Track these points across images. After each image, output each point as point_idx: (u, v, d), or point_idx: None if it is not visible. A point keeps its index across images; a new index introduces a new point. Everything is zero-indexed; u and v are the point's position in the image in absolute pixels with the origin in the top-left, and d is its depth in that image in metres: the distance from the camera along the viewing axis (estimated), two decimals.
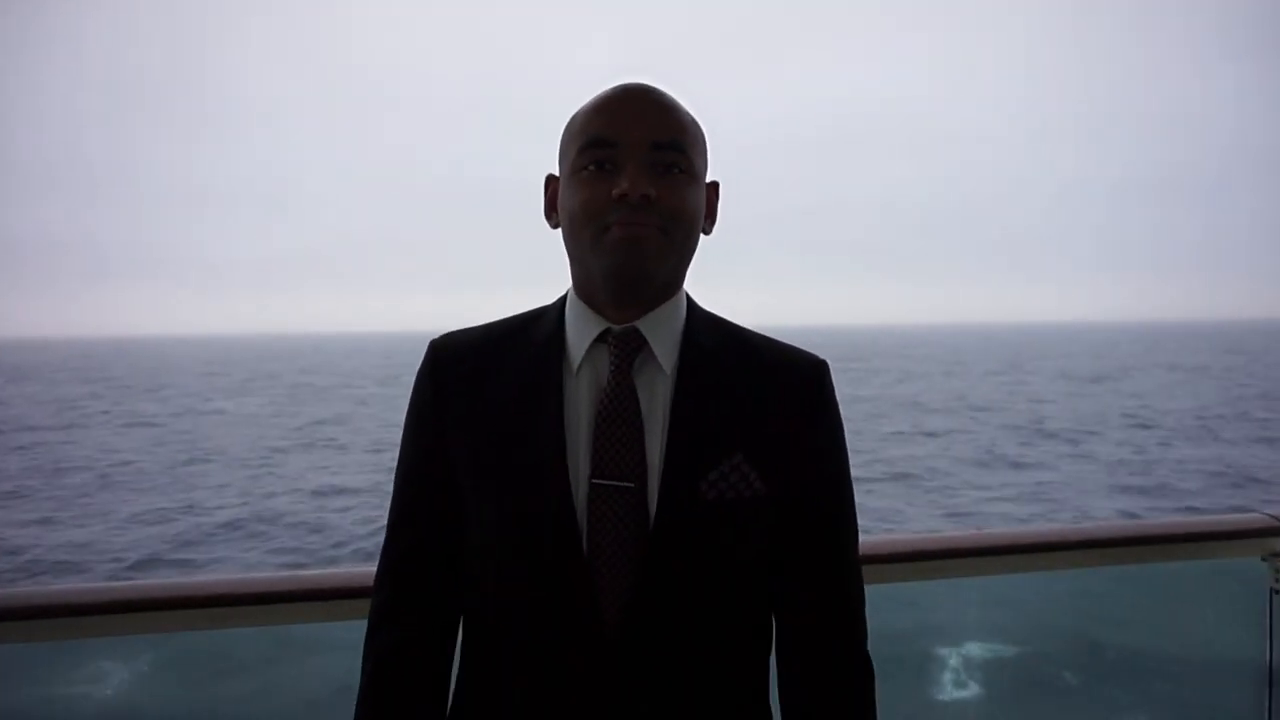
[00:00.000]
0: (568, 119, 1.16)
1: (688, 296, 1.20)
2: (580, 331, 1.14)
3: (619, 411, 1.09)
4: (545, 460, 1.08)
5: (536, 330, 1.18)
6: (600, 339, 1.13)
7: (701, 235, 1.16)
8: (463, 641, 1.19)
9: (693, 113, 1.15)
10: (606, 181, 1.07)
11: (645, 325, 1.13)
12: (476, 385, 1.15)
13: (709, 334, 1.18)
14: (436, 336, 1.21)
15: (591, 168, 1.08)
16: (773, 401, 1.14)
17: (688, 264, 1.16)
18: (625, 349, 1.12)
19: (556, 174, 1.16)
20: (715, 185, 1.20)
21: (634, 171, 1.06)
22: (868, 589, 1.20)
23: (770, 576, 1.15)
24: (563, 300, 1.20)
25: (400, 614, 1.15)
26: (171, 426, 31.41)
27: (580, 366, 1.13)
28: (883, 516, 15.94)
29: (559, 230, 1.16)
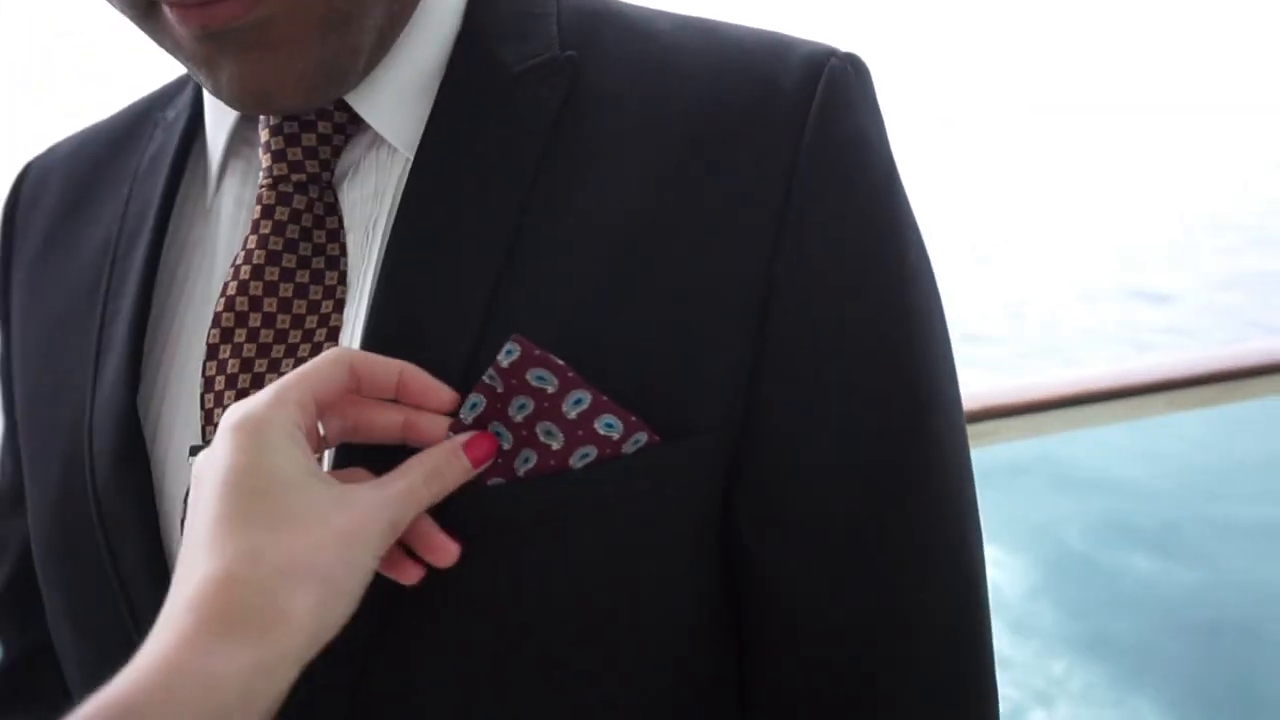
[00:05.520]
0: None
1: None
2: (219, 106, 0.50)
3: (277, 272, 0.45)
4: (92, 411, 0.47)
5: (172, 108, 0.54)
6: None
7: None
8: None
9: None
10: None
11: (362, 87, 0.46)
12: (59, 237, 0.55)
13: (534, 33, 0.47)
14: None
15: None
16: (681, 171, 0.44)
17: None
18: (304, 127, 0.47)
19: None
20: None
21: None
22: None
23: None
24: None
25: (14, 646, 0.61)
26: None
27: (226, 176, 0.50)
28: None
29: None
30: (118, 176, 0.53)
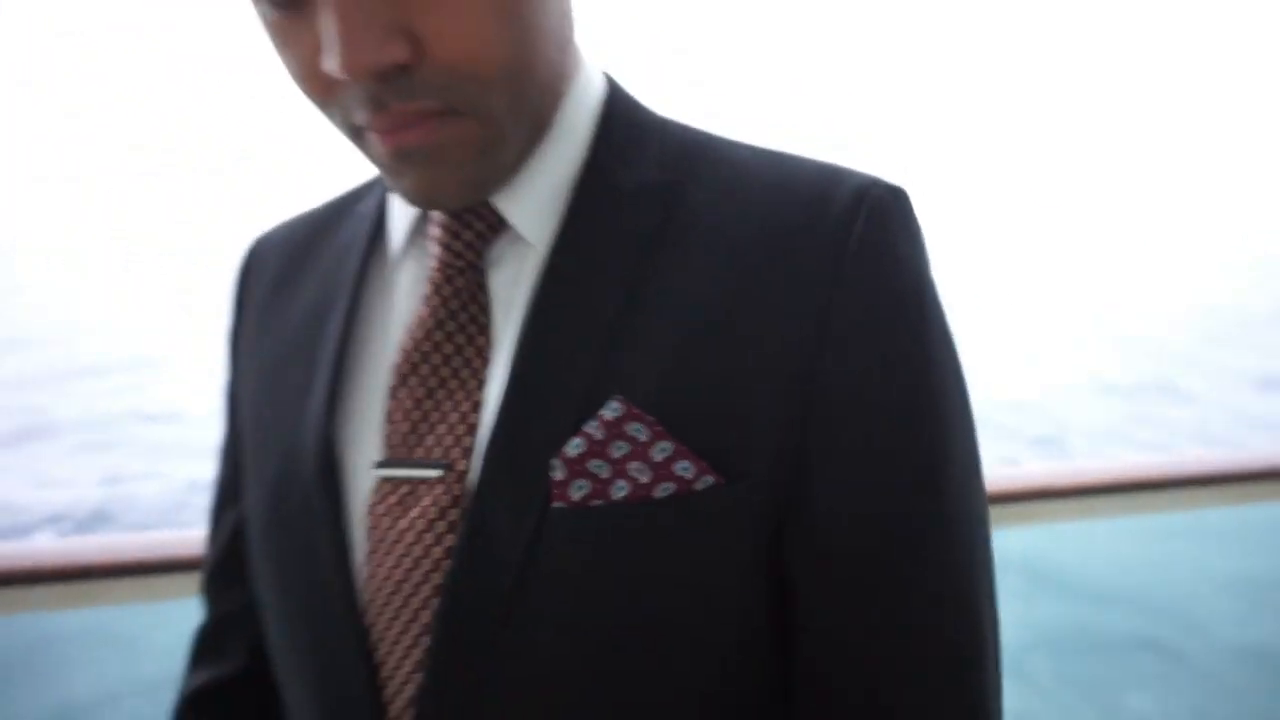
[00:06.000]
0: None
1: (609, 86, 0.63)
2: (401, 205, 0.64)
3: (442, 335, 0.58)
4: (302, 429, 0.61)
5: (363, 203, 0.70)
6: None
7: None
8: None
9: None
10: (308, 29, 0.50)
11: (505, 190, 0.58)
12: (277, 297, 0.70)
13: (644, 160, 0.60)
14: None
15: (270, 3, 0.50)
16: (750, 275, 0.54)
17: (551, 82, 0.56)
18: (464, 225, 0.59)
19: None
20: None
21: (341, 11, 0.46)
22: None
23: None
24: None
25: (214, 610, 0.77)
26: None
27: (404, 258, 0.63)
28: None
29: None
30: (321, 255, 0.68)
